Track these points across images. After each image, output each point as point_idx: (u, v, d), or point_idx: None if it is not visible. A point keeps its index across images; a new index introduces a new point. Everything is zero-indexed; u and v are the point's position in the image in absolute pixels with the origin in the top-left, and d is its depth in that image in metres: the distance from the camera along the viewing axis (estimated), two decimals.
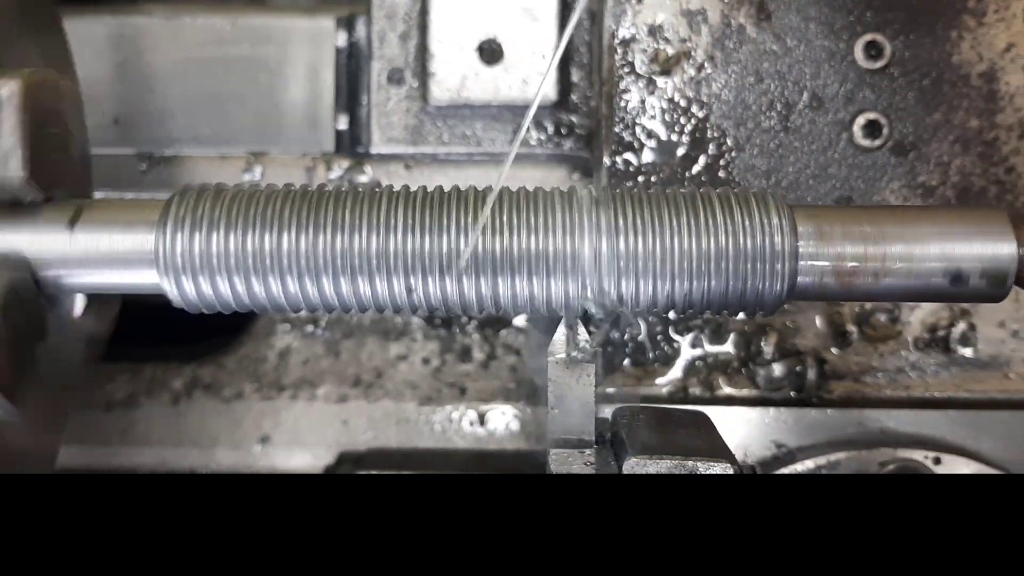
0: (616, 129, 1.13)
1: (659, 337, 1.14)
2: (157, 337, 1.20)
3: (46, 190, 0.78)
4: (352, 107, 1.25)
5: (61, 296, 0.81)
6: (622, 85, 1.12)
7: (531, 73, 1.19)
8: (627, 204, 0.75)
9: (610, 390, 1.12)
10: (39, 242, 0.76)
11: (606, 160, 1.13)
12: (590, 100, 1.21)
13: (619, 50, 1.12)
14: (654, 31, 1.12)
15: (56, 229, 0.76)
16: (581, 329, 0.76)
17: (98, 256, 0.77)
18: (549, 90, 1.19)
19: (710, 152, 1.12)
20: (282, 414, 1.25)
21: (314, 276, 0.74)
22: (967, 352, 1.13)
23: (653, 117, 1.12)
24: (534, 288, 0.74)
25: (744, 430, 1.11)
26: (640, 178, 1.13)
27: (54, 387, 0.86)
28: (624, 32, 1.12)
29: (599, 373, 1.12)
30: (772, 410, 1.11)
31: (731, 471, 0.71)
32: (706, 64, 1.12)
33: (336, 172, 1.25)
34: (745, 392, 1.13)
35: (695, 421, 0.80)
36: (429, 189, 0.77)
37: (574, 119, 1.22)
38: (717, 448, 0.74)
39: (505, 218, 0.74)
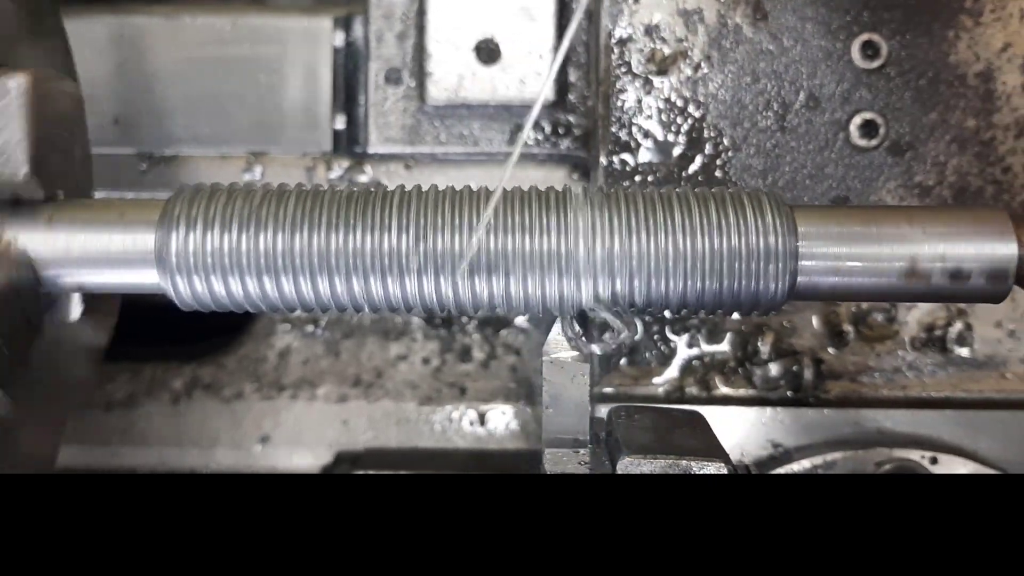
0: (613, 129, 1.13)
1: (656, 337, 1.14)
2: (157, 337, 1.21)
3: (48, 189, 0.79)
4: (350, 107, 1.25)
5: (61, 296, 0.82)
6: (619, 85, 1.13)
7: (529, 73, 1.19)
8: (623, 204, 0.74)
9: (607, 390, 1.12)
10: (40, 240, 0.76)
11: (603, 160, 1.13)
12: (587, 100, 1.21)
13: (616, 50, 1.12)
14: (651, 31, 1.12)
15: (57, 228, 0.77)
16: (579, 329, 0.76)
17: (98, 255, 0.76)
18: (547, 90, 1.19)
19: (707, 152, 1.13)
20: (282, 414, 1.25)
21: (315, 276, 0.74)
22: (964, 352, 1.13)
23: (650, 117, 1.12)
24: (529, 289, 0.74)
25: (741, 430, 1.11)
26: (637, 178, 1.13)
27: (53, 388, 0.86)
28: (621, 32, 1.12)
29: (596, 373, 1.12)
30: (769, 410, 1.12)
31: (725, 471, 0.71)
32: (703, 64, 1.12)
33: (336, 172, 1.25)
34: (742, 392, 1.13)
35: (690, 421, 0.80)
36: (424, 189, 0.77)
37: (571, 119, 1.22)
38: (712, 448, 0.74)
39: (503, 219, 0.74)
